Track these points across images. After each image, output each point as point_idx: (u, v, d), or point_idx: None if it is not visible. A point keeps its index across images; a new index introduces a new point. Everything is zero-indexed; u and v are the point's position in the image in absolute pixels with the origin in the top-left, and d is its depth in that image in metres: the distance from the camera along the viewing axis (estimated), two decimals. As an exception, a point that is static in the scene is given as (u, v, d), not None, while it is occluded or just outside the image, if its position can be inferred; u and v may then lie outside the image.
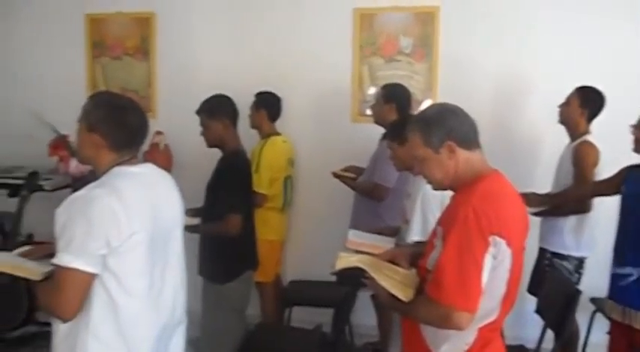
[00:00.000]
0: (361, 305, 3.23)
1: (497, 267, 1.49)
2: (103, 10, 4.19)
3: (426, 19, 3.72)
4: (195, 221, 2.66)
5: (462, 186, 1.60)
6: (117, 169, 1.59)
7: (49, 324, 3.83)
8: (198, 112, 2.74)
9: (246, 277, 2.77)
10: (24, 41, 4.37)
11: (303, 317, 3.42)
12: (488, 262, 1.47)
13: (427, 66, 3.75)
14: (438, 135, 1.58)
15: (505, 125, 3.64)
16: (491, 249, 1.47)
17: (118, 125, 1.60)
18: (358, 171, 3.33)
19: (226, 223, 2.59)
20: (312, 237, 3.94)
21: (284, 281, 3.82)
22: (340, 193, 3.53)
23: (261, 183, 3.30)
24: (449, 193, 1.71)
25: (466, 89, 3.64)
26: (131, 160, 1.63)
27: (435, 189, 1.72)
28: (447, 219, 1.58)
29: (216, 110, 2.71)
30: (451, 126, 1.58)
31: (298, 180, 3.85)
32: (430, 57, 3.74)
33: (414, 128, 1.63)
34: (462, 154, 1.58)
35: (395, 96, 3.21)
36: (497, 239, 1.47)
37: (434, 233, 1.65)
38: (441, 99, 3.73)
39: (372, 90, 3.78)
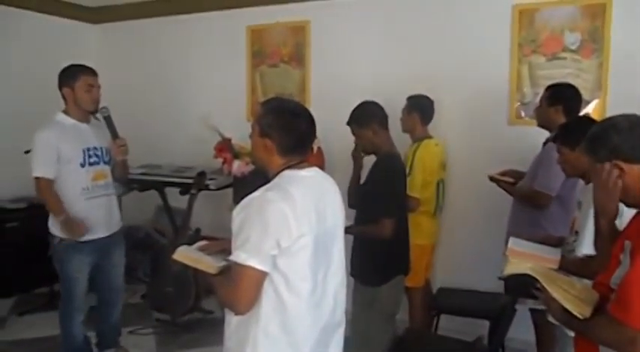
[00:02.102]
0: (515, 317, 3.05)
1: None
2: (262, 21, 4.47)
3: (596, 12, 3.41)
4: (348, 222, 2.70)
5: None
6: (287, 173, 1.66)
7: (212, 312, 4.21)
8: (349, 123, 2.77)
9: (398, 281, 2.74)
10: (196, 56, 4.83)
11: (448, 325, 3.34)
12: (687, 283, 1.30)
13: (596, 63, 3.43)
14: (603, 156, 1.52)
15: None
16: (691, 269, 1.30)
17: (288, 131, 1.66)
18: (517, 175, 3.14)
19: (380, 226, 2.59)
20: (464, 243, 3.83)
21: (433, 287, 3.75)
22: (495, 198, 3.36)
23: (414, 186, 3.24)
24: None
25: (642, 86, 3.28)
26: (300, 164, 1.69)
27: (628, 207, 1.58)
28: (637, 233, 1.43)
29: (364, 118, 2.72)
30: (615, 144, 1.50)
31: (451, 184, 3.75)
32: (600, 53, 3.41)
33: (582, 148, 1.62)
34: (636, 170, 1.47)
35: (562, 98, 2.95)
36: None
37: (619, 247, 1.50)
38: (611, 98, 3.40)
39: (530, 90, 3.58)
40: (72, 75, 2.93)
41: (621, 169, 1.48)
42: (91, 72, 2.98)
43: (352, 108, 2.78)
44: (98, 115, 3.03)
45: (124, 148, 3.06)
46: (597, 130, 1.57)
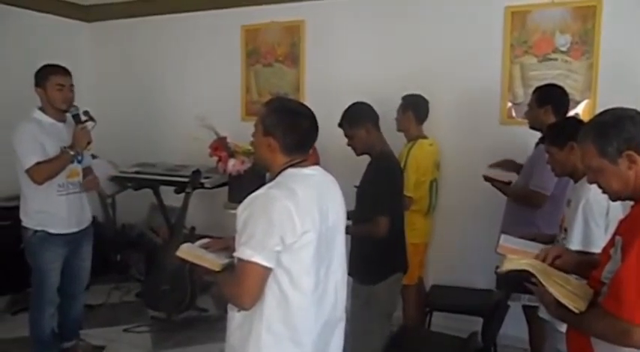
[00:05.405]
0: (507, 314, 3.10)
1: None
2: (257, 21, 4.49)
3: (587, 14, 3.47)
4: (346, 222, 2.72)
5: None
6: (290, 171, 1.69)
7: (207, 310, 4.21)
8: (340, 124, 2.78)
9: (395, 279, 2.77)
10: (191, 55, 4.84)
11: (441, 322, 3.38)
12: (678, 277, 1.35)
13: (586, 64, 3.50)
14: (616, 145, 1.49)
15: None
16: (682, 263, 1.35)
17: (291, 129, 1.69)
18: (514, 166, 3.17)
19: (375, 225, 2.61)
20: (457, 242, 3.87)
21: (426, 284, 3.79)
22: (487, 197, 3.41)
23: (408, 185, 3.27)
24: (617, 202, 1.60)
25: (630, 88, 3.34)
26: (302, 162, 1.72)
27: (613, 200, 1.61)
28: (629, 229, 1.48)
29: (356, 118, 2.74)
30: (630, 134, 1.48)
31: (443, 183, 3.79)
32: (590, 54, 3.48)
33: (588, 137, 1.54)
34: None
35: (550, 98, 3.01)
36: None
37: (610, 243, 1.55)
38: (601, 99, 3.47)
39: (521, 91, 3.64)
40: (43, 75, 3.02)
41: (634, 161, 1.48)
42: (63, 71, 3.05)
43: (344, 109, 2.79)
44: (68, 115, 3.10)
45: (96, 182, 3.29)
46: (607, 120, 1.53)
